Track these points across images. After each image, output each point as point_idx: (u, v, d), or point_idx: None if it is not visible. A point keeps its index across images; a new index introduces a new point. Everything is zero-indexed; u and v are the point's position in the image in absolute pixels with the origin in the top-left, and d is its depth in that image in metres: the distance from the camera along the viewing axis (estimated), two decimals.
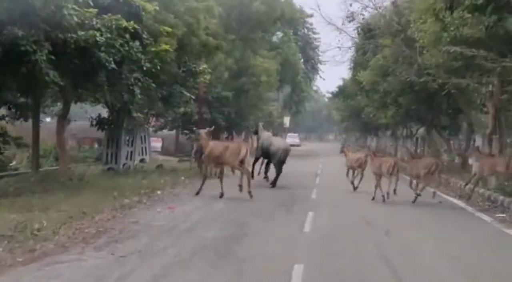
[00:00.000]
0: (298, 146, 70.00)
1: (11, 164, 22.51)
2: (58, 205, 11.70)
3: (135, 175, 19.80)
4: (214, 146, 15.32)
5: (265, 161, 20.01)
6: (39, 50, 12.60)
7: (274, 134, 26.58)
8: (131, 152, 24.43)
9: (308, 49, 59.05)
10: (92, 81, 14.53)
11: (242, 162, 15.08)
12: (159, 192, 15.27)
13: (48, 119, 31.59)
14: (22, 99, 17.13)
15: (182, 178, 19.56)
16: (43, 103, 20.59)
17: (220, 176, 15.26)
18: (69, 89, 15.21)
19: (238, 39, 38.59)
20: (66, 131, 30.63)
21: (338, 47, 33.54)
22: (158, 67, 15.59)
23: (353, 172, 17.74)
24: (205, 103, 35.62)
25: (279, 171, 18.58)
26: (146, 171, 22.41)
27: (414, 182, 15.79)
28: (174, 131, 40.35)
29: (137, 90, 15.81)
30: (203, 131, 16.12)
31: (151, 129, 36.44)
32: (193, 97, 24.26)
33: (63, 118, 18.78)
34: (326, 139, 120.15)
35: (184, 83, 23.66)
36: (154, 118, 30.52)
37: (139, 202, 13.33)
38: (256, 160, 19.86)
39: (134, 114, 19.53)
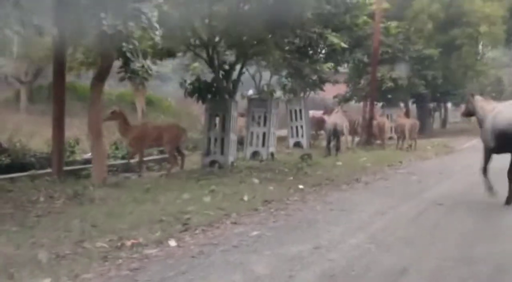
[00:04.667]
0: None
1: (85, 156, 15.26)
2: None
3: (233, 177, 11.24)
4: None
5: None
6: None
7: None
8: (264, 134, 15.93)
9: None
10: None
11: None
12: (174, 243, 6.15)
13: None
14: None
15: (300, 186, 10.27)
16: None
17: None
18: None
19: None
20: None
21: None
22: None
23: None
24: (401, 65, 26.10)
25: None
26: (265, 167, 13.61)
27: None
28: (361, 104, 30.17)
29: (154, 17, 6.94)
30: None
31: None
32: (345, 45, 14.68)
33: (100, 80, 10.80)
34: None
35: (336, 25, 14.32)
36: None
37: None
38: None
39: (138, 65, 10.22)
